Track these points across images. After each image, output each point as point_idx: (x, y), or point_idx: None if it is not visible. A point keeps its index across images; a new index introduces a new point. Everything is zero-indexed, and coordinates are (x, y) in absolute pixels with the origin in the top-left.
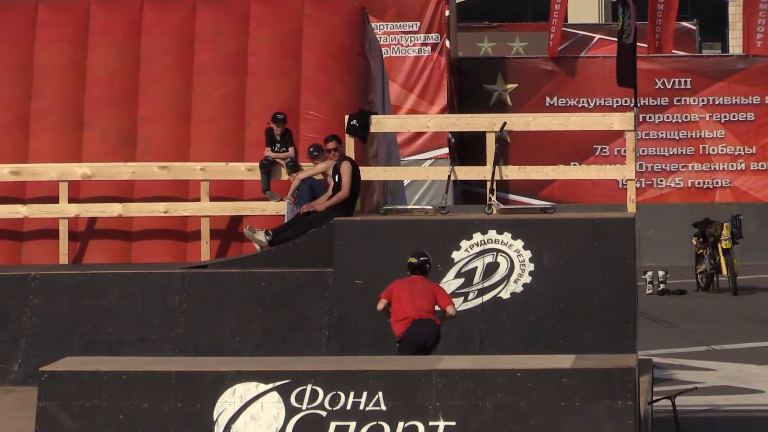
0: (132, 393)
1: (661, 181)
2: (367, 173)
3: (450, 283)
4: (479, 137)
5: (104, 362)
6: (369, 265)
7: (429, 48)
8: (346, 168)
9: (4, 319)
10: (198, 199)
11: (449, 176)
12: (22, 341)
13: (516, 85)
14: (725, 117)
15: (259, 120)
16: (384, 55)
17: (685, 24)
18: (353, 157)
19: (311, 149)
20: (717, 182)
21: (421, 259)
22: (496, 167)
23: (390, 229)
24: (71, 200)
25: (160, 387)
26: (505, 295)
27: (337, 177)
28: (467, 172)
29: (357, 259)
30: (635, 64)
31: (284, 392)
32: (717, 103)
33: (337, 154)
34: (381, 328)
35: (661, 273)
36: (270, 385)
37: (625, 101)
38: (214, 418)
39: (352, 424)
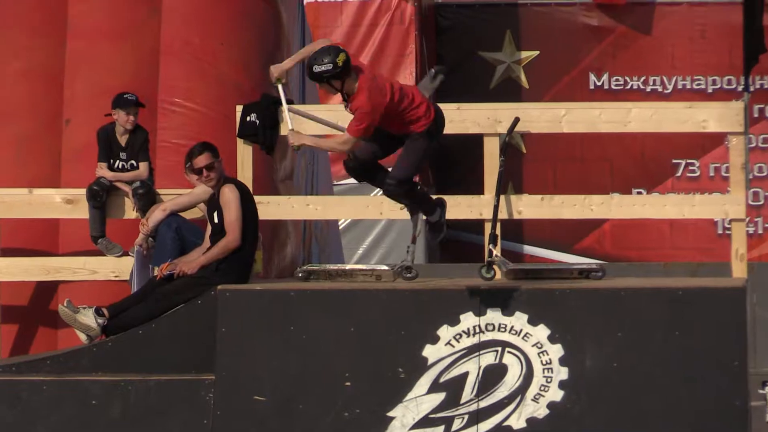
0: None
1: None
2: (276, 207)
3: (420, 401)
4: (472, 144)
5: None
6: (275, 369)
7: None
8: (230, 197)
9: None
10: None
11: (417, 214)
12: None
13: (536, 53)
14: None
15: (85, 112)
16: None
17: None
18: (245, 180)
19: (188, 159)
20: None
21: None
22: (501, 197)
23: (315, 305)
24: None
25: None
26: (516, 423)
27: (216, 214)
28: (451, 206)
29: (255, 357)
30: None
31: None
32: None
33: (214, 176)
34: None
35: None
36: None
37: (728, 82)
38: None
39: None
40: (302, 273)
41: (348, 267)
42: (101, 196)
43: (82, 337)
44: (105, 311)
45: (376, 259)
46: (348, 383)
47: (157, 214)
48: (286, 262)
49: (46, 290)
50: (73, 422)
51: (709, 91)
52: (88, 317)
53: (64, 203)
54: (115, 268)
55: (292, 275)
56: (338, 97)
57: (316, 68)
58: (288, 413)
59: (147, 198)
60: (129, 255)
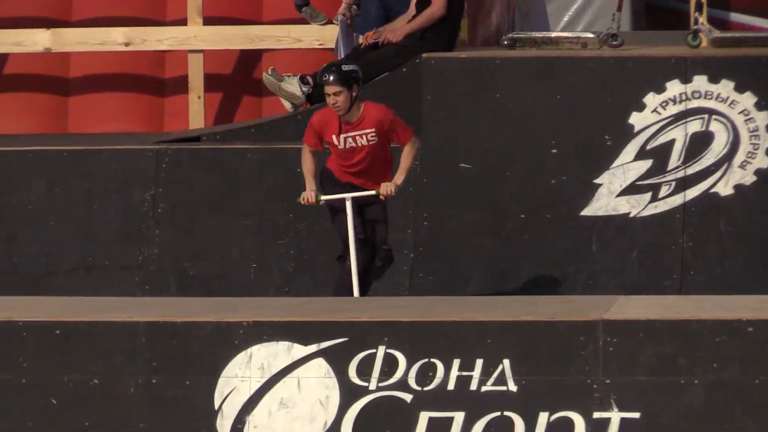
0: (69, 360)
1: None
2: None
3: (627, 167)
4: None
5: (21, 307)
6: (482, 137)
7: None
8: None
9: None
10: (183, 22)
11: None
12: None
13: None
14: None
15: None
16: None
17: None
18: None
19: None
20: None
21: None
22: None
23: (520, 73)
24: None
25: (119, 349)
26: (723, 189)
27: None
28: None
29: (461, 125)
30: None
31: (338, 359)
32: None
33: None
34: (501, 251)
35: None
36: (314, 347)
37: None
38: (216, 405)
39: (458, 416)
40: (507, 41)
41: (554, 34)
42: None
43: (287, 105)
44: (309, 79)
45: (581, 27)
46: (554, 150)
47: None
48: (491, 30)
49: (250, 59)
50: (276, 191)
51: None
52: (293, 85)
53: None
54: (320, 36)
55: (498, 43)
56: None
57: (346, 68)
58: (494, 180)
59: None
60: (333, 23)
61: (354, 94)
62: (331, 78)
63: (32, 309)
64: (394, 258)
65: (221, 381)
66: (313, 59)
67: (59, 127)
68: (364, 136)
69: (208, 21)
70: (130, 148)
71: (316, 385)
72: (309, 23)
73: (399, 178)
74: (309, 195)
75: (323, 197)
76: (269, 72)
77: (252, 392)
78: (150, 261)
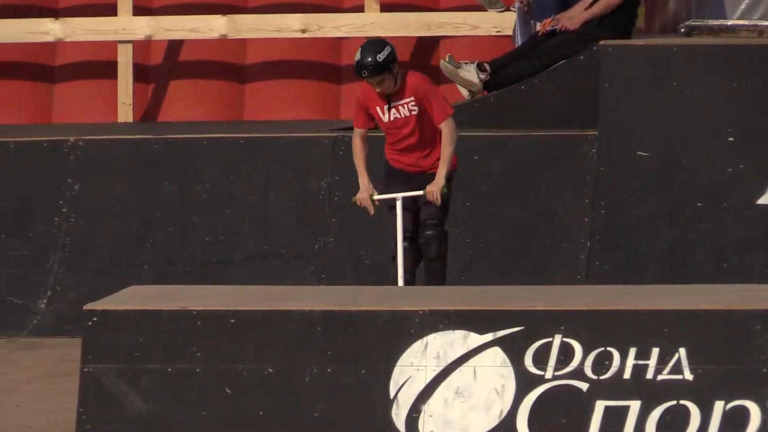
0: (244, 349)
1: None
2: None
3: None
4: None
5: (196, 296)
6: (658, 125)
7: None
8: None
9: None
10: (360, 8)
11: None
12: (55, 256)
13: None
14: None
15: None
16: None
17: None
18: None
19: None
20: None
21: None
22: None
23: (697, 60)
24: (139, 11)
25: (295, 338)
26: None
27: None
28: None
29: (638, 113)
30: None
31: (514, 348)
32: None
33: None
34: (678, 240)
35: None
36: (489, 336)
37: None
38: (391, 394)
39: (634, 405)
40: (684, 28)
41: (730, 23)
42: None
43: (464, 92)
44: (487, 66)
45: (758, 15)
46: (731, 138)
47: None
48: (668, 17)
49: (427, 45)
50: (455, 177)
51: None
52: (470, 72)
53: None
54: (497, 23)
55: (674, 31)
56: None
57: (380, 57)
58: (671, 168)
59: None
60: (510, 10)
61: (395, 72)
62: (368, 74)
63: (207, 298)
64: (447, 239)
65: (397, 370)
66: (490, 46)
67: (235, 114)
68: (405, 106)
69: (385, 8)
70: (306, 135)
71: (492, 374)
72: (486, 10)
73: (440, 175)
74: (363, 196)
75: (376, 197)
76: (446, 59)
77: (428, 381)
78: (326, 249)
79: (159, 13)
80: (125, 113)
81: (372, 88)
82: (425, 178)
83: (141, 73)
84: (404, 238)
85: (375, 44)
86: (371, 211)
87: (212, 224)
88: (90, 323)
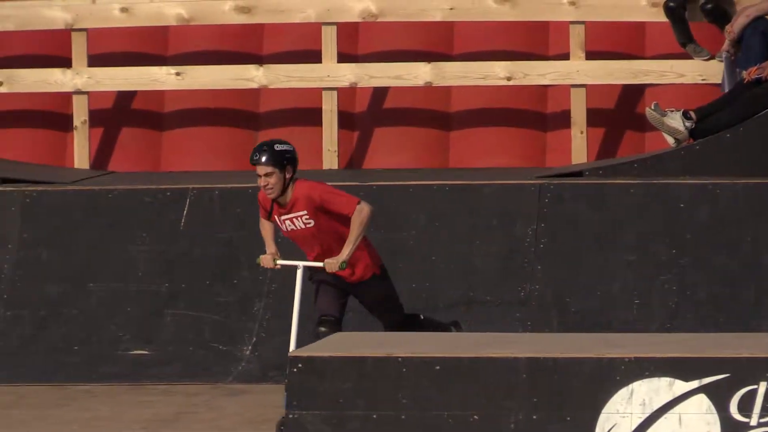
0: (449, 396)
1: None
2: None
3: None
4: None
5: (401, 342)
6: None
7: None
8: None
9: (223, 273)
10: (566, 56)
11: None
12: (258, 306)
13: None
14: None
15: None
16: None
17: None
18: None
19: None
20: None
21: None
22: None
23: None
24: (343, 58)
25: (500, 385)
26: None
27: None
28: None
29: None
30: None
31: (719, 395)
32: None
33: None
34: None
35: None
36: (695, 383)
37: None
38: None
39: None
40: None
41: None
42: (680, 8)
43: (670, 140)
44: (692, 114)
45: None
46: None
47: (741, 20)
48: None
49: (633, 93)
50: (658, 226)
51: None
52: (676, 120)
53: (649, 6)
54: (703, 71)
55: None
56: None
57: (278, 147)
58: None
59: (716, 12)
60: (716, 59)
61: (288, 175)
62: (263, 159)
63: (411, 344)
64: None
65: (602, 417)
66: (696, 94)
67: (439, 161)
68: (299, 219)
69: (591, 55)
70: (512, 183)
71: (697, 421)
72: (692, 58)
73: (345, 251)
74: (267, 258)
75: (279, 261)
76: (652, 107)
77: (633, 428)
78: (532, 296)
79: (363, 61)
80: (330, 160)
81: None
82: (359, 283)
83: (346, 120)
84: (322, 321)
85: (280, 141)
86: (271, 266)
87: (418, 270)
88: (295, 370)
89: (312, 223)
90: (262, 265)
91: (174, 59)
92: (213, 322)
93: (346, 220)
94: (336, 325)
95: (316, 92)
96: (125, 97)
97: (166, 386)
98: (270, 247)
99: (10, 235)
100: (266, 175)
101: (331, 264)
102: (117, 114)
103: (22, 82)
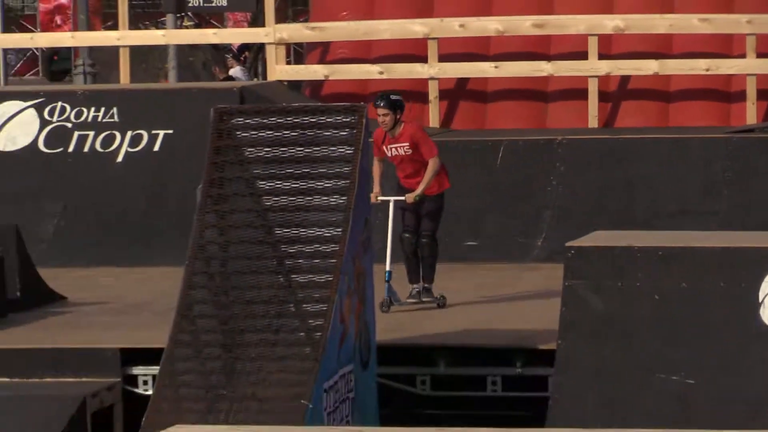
0: (669, 271)
1: None
2: None
3: None
4: None
5: (638, 237)
6: None
7: None
8: None
9: (527, 189)
10: (743, 56)
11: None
12: (546, 213)
13: None
14: None
15: None
16: None
17: None
18: None
19: None
20: None
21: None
22: None
23: None
24: (601, 56)
25: (701, 265)
26: None
27: None
28: None
29: None
30: None
31: None
32: None
33: None
34: None
35: None
36: None
37: None
38: (759, 299)
39: None
40: None
41: None
42: None
43: None
44: None
45: None
46: None
47: None
48: None
49: None
50: None
51: None
52: None
53: None
54: None
55: None
56: None
57: (393, 97)
58: None
59: None
60: None
61: (397, 116)
62: (382, 104)
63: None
64: (437, 249)
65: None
66: None
67: (664, 122)
68: (401, 148)
69: (760, 55)
70: (717, 136)
71: None
72: None
73: (419, 189)
74: (374, 194)
75: (380, 198)
76: None
77: None
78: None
79: (614, 58)
80: (592, 122)
81: (381, 130)
82: (425, 198)
83: (602, 96)
84: (405, 230)
85: (394, 92)
86: (374, 202)
87: (657, 189)
88: (569, 255)
89: (410, 151)
90: (371, 200)
91: (494, 57)
92: (514, 226)
93: (422, 160)
94: (414, 233)
95: (584, 80)
96: (462, 82)
97: None
98: (375, 186)
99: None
100: (384, 115)
101: (410, 197)
102: (457, 92)
103: (395, 72)
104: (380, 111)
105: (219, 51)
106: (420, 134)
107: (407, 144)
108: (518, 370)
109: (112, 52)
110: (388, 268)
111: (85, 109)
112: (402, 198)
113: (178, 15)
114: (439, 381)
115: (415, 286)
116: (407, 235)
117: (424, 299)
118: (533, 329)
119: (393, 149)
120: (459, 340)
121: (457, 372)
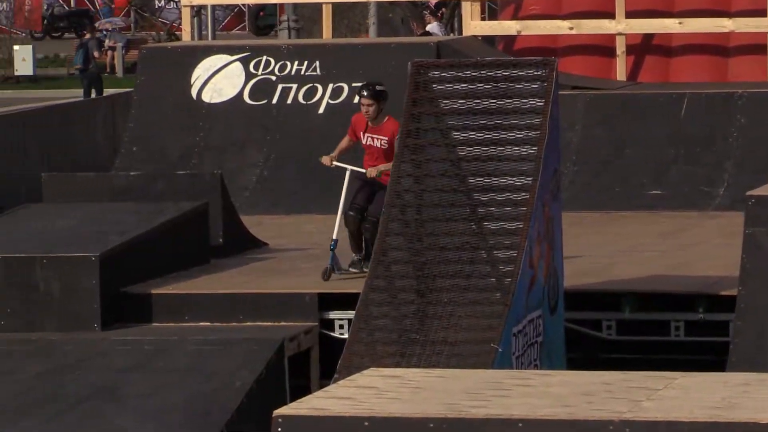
0: None
1: None
2: None
3: None
4: None
5: None
6: None
7: None
8: None
9: (709, 140)
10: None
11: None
12: (728, 164)
13: None
14: None
15: None
16: None
17: None
18: None
19: None
20: None
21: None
22: None
23: None
24: None
25: None
26: None
27: None
28: None
29: None
30: None
31: None
32: None
33: None
34: None
35: None
36: None
37: None
38: None
39: None
40: None
41: None
42: None
43: None
44: None
45: None
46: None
47: None
48: None
49: None
50: None
51: None
52: None
53: None
54: None
55: None
56: None
57: (379, 87)
58: None
59: None
60: None
61: (381, 107)
62: (366, 93)
63: None
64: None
65: None
66: None
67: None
68: (379, 140)
69: None
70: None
71: None
72: None
73: (383, 167)
74: (326, 159)
75: (335, 162)
76: None
77: None
78: None
79: None
80: None
81: (363, 117)
82: (382, 185)
83: None
84: (352, 209)
85: (379, 83)
86: (328, 164)
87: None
88: (750, 203)
89: (386, 146)
90: (322, 162)
91: (678, 14)
92: (693, 173)
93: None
94: (359, 212)
95: (763, 35)
96: (647, 37)
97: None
98: (335, 151)
99: (577, 121)
100: (368, 105)
101: (371, 171)
102: (643, 47)
103: (584, 27)
104: (364, 101)
105: (417, 7)
106: (397, 132)
107: (386, 138)
108: (701, 315)
109: (316, 8)
110: (334, 236)
111: (288, 63)
112: (360, 170)
113: None
114: (625, 326)
115: (356, 255)
116: (352, 213)
117: (365, 269)
118: (715, 276)
119: (370, 138)
120: (643, 286)
121: (642, 317)
